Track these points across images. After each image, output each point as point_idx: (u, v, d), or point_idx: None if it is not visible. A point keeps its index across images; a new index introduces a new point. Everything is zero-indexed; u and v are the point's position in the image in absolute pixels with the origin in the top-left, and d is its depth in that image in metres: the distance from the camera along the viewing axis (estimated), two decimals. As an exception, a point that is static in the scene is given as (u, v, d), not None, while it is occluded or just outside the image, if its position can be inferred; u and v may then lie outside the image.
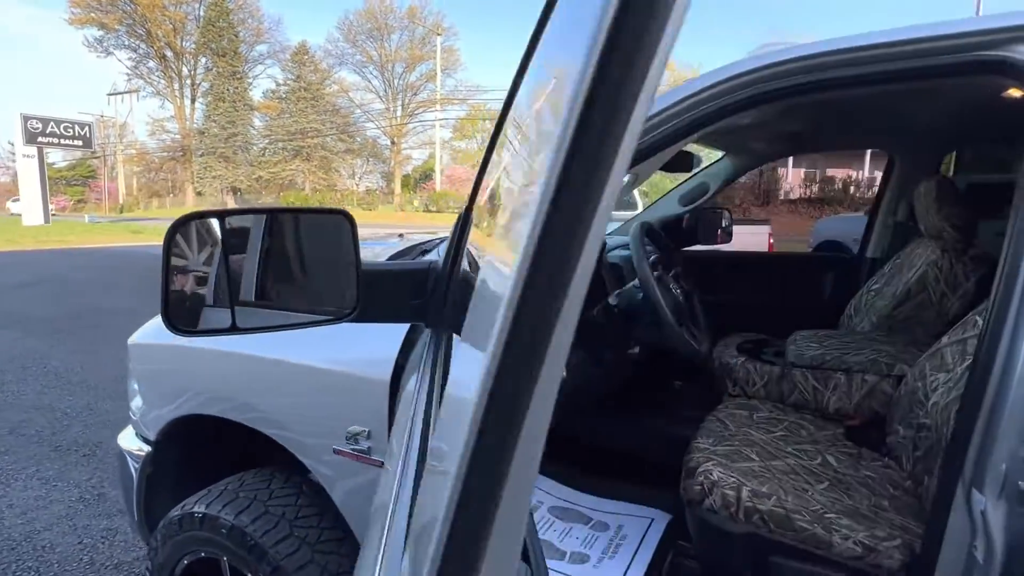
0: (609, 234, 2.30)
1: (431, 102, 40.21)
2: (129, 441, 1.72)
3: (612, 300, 1.44)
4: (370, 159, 44.18)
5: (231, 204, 40.99)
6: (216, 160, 39.68)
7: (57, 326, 6.34)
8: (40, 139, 22.79)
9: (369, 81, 42.01)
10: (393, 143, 42.03)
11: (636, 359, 1.58)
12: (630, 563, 1.37)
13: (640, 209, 5.36)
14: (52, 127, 23.28)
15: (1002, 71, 0.87)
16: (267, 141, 40.54)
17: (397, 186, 40.82)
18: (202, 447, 1.68)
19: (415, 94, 41.76)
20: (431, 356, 0.98)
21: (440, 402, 0.74)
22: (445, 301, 1.04)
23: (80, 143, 25.19)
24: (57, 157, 37.04)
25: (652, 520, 1.54)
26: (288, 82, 40.03)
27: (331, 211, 1.01)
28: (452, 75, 40.88)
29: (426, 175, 41.63)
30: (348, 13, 40.07)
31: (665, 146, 1.10)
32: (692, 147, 2.10)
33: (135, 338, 1.67)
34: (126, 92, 41.66)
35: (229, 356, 1.38)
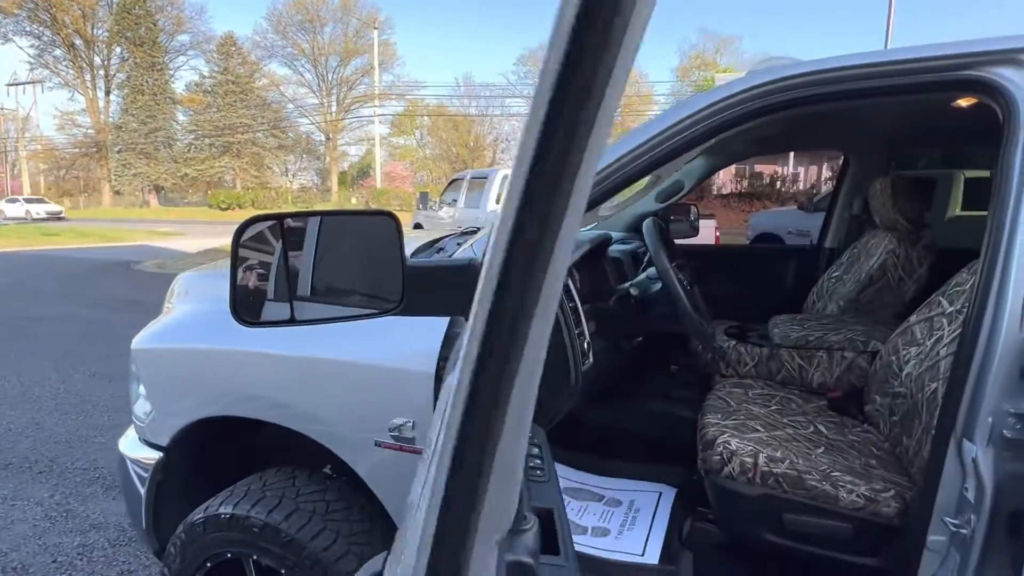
0: (588, 229, 2.42)
1: (368, 97, 39.36)
2: (133, 448, 1.67)
3: (633, 292, 1.54)
4: (304, 155, 42.74)
5: (154, 203, 38.64)
6: (136, 156, 37.23)
7: (-20, 337, 5.85)
8: (-69, 133, 20.69)
9: (301, 75, 40.64)
10: (328, 139, 40.83)
11: (639, 346, 1.70)
12: (649, 532, 1.48)
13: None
14: (-54, 120, 21.17)
15: (977, 89, 1.03)
16: (193, 137, 38.42)
17: (334, 183, 39.72)
18: (215, 451, 1.66)
19: (350, 89, 40.76)
20: None
21: None
22: None
23: (-21, 137, 23.03)
24: (-52, 153, 33.73)
25: (661, 493, 1.66)
26: (214, 75, 38.06)
27: (378, 212, 1.07)
28: (389, 70, 40.19)
29: (364, 172, 40.75)
30: (277, 3, 38.51)
31: (686, 150, 1.21)
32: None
33: (139, 342, 1.63)
34: (28, 82, 38.39)
35: (263, 356, 1.39)
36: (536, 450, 0.92)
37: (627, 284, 1.60)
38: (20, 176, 39.74)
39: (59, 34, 36.35)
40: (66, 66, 37.77)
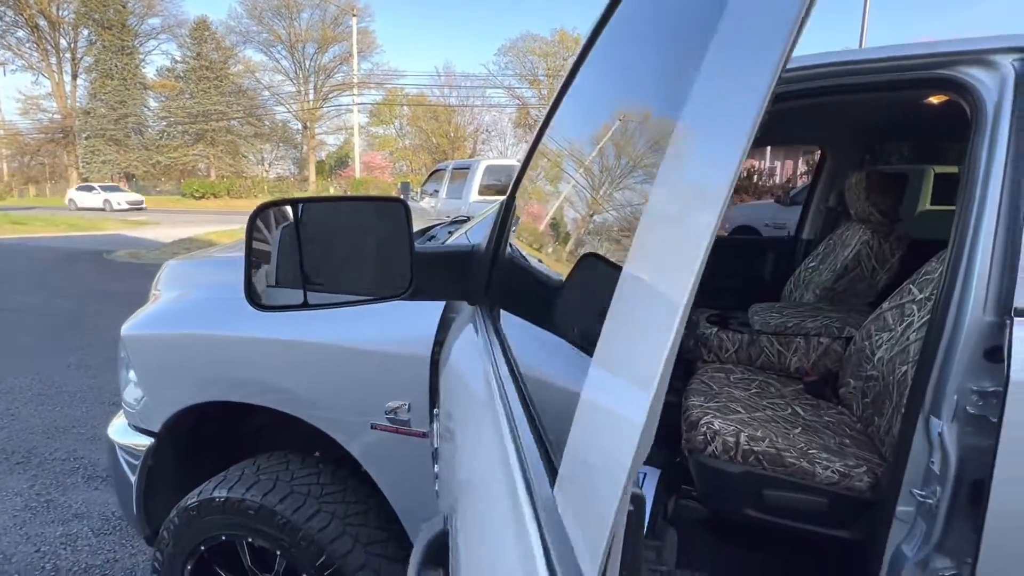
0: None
1: (346, 85, 38.78)
2: (123, 434, 1.67)
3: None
4: (281, 144, 42.02)
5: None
6: (105, 143, 36.20)
7: (-53, 328, 5.69)
8: None
9: (278, 62, 39.88)
10: (305, 128, 40.19)
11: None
12: (634, 511, 1.54)
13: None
14: (-98, 103, 20.27)
15: (947, 87, 1.09)
16: (165, 123, 37.46)
17: (311, 173, 39.17)
18: (207, 436, 1.67)
19: (328, 77, 40.13)
20: (480, 330, 1.09)
21: (510, 366, 0.85)
22: (490, 281, 1.15)
23: (-61, 122, 22.14)
24: (-95, 137, 32.34)
25: (644, 474, 1.72)
26: (187, 60, 37.14)
27: (388, 199, 1.09)
28: (368, 58, 39.61)
29: (342, 161, 40.24)
30: (252, -12, 37.56)
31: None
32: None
33: (129, 328, 1.63)
34: (-10, 65, 36.91)
35: (258, 342, 1.40)
36: None
37: None
38: (-18, 162, 38.33)
39: (22, 14, 35.00)
40: (30, 48, 36.44)
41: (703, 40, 0.45)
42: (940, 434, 1.03)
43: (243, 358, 1.44)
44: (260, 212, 0.95)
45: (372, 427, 1.32)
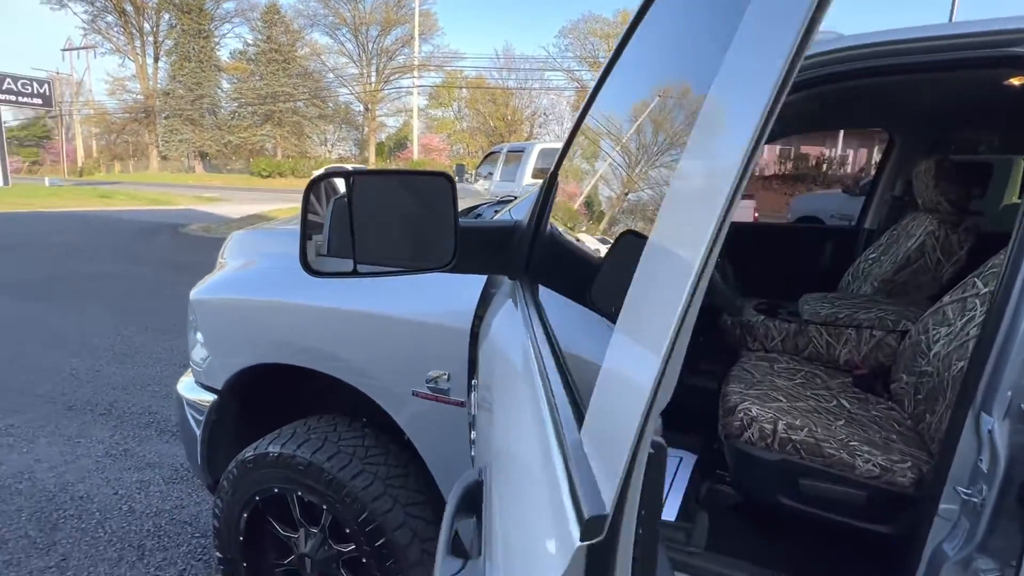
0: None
1: (407, 68, 39.30)
2: (190, 390, 1.81)
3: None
4: (343, 126, 43.17)
5: (199, 169, 39.74)
6: (182, 123, 38.25)
7: (45, 290, 6.24)
8: (-4, 96, 21.68)
9: (342, 44, 40.79)
10: (367, 109, 41.06)
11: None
12: (667, 494, 1.55)
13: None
14: (9, 83, 22.10)
15: (1018, 66, 1.03)
16: (236, 104, 39.18)
17: (371, 154, 40.05)
18: (264, 396, 1.79)
19: (390, 59, 40.74)
20: (520, 304, 1.12)
21: (548, 337, 0.88)
22: (530, 256, 1.17)
23: (39, 101, 24.01)
24: (8, 116, 35.25)
25: (681, 459, 1.72)
26: (258, 43, 38.56)
27: (435, 174, 1.13)
28: (429, 40, 39.97)
29: (400, 143, 40.90)
30: (320, -28, 38.44)
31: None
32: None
33: (197, 293, 1.76)
34: (82, 48, 39.56)
35: (313, 309, 1.49)
36: None
37: None
38: (75, 140, 41.29)
39: (111, 0, 37.24)
40: (117, 32, 38.81)
41: (735, 17, 0.46)
42: (990, 431, 0.99)
43: (299, 324, 1.54)
44: (314, 184, 1.01)
45: (414, 394, 1.39)
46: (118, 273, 7.28)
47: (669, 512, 1.48)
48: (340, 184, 1.04)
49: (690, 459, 1.72)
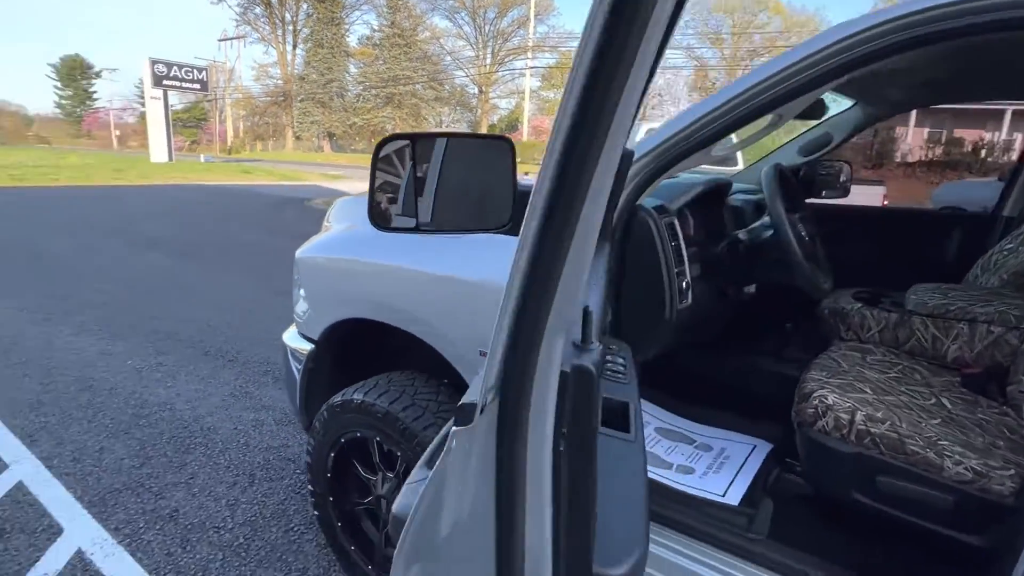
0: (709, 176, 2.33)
1: (521, 49, 39.47)
2: (294, 340, 2.02)
3: (741, 235, 1.51)
4: (458, 108, 44.43)
5: (327, 149, 42.90)
6: (314, 106, 41.37)
7: (190, 251, 7.13)
8: (165, 82, 24.77)
9: (460, 27, 41.82)
10: (481, 91, 41.91)
11: (752, 297, 1.66)
12: (734, 478, 1.50)
13: (741, 166, 5.19)
14: (175, 71, 25.16)
15: None
16: (361, 88, 41.67)
17: (483, 135, 40.82)
18: (353, 348, 1.95)
19: (505, 41, 41.17)
20: None
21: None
22: None
23: (198, 86, 27.10)
24: (174, 100, 39.99)
25: (754, 447, 1.65)
26: (383, 28, 40.60)
27: (497, 138, 1.17)
28: (544, 21, 39.85)
29: (512, 125, 41.36)
30: (442, -43, 39.49)
31: (811, 89, 1.15)
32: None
33: (301, 252, 1.95)
34: (234, 38, 43.90)
35: (395, 270, 1.60)
36: (621, 360, 1.02)
37: (739, 231, 1.55)
38: (226, 122, 46.16)
39: (259, -7, 40.90)
40: (263, 22, 42.59)
41: None
42: None
43: (383, 283, 1.66)
44: (383, 145, 1.09)
45: (480, 353, 1.45)
46: (251, 240, 8.12)
47: (733, 496, 1.43)
48: (407, 145, 1.11)
49: (764, 448, 1.65)
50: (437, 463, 0.57)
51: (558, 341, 0.51)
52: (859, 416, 1.22)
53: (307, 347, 1.96)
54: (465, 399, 0.54)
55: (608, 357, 1.04)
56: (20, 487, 2.26)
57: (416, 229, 1.09)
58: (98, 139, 52.59)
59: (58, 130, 56.67)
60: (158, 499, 2.23)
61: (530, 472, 0.54)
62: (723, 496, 1.43)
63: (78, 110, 56.29)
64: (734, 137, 1.34)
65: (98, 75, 55.47)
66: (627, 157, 1.11)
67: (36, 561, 1.88)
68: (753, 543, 1.26)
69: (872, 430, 1.20)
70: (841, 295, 1.86)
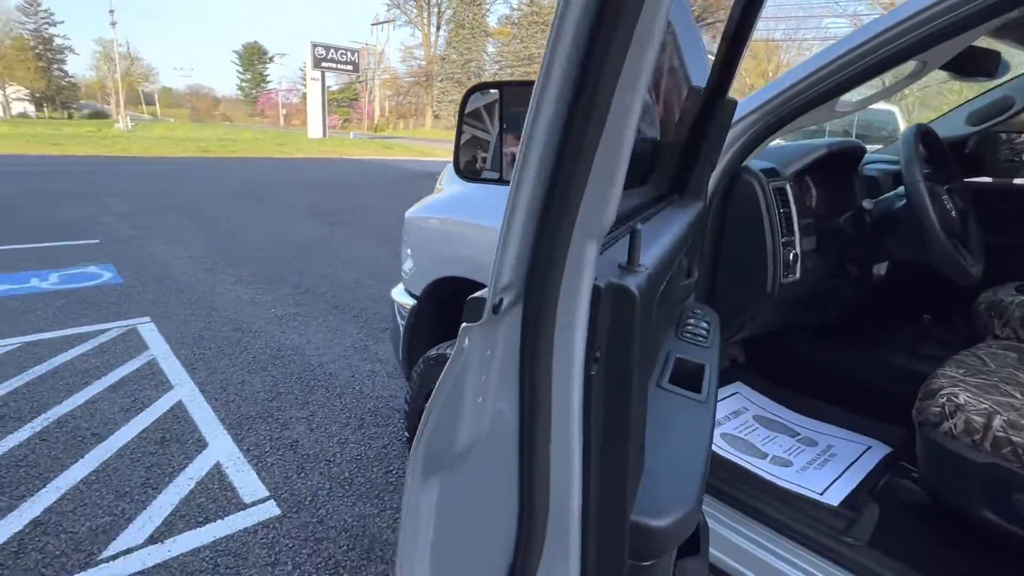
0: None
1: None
2: (400, 296, 2.15)
3: (867, 205, 1.32)
4: (592, 86, 43.67)
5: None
6: (452, 85, 42.96)
7: (334, 218, 7.82)
8: (323, 64, 27.14)
9: (600, 3, 40.78)
10: (617, 68, 40.79)
11: (883, 280, 1.45)
12: (838, 477, 1.35)
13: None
14: (332, 53, 27.46)
15: None
16: (498, 67, 42.47)
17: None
18: (451, 306, 2.03)
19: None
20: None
21: None
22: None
23: (351, 68, 29.35)
24: (330, 81, 43.56)
25: (869, 447, 1.47)
26: (522, 6, 40.87)
27: None
28: (690, -8, 37.43)
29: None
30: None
31: (964, 30, 0.97)
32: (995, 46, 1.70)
33: (411, 213, 2.04)
34: (385, 22, 46.77)
35: (492, 230, 1.63)
36: (704, 323, 0.96)
37: (865, 201, 1.35)
38: (373, 102, 49.60)
39: (409, -23, 43.04)
40: (411, 6, 44.82)
41: None
42: None
43: (479, 243, 1.69)
44: (471, 94, 1.10)
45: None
46: (386, 208, 8.71)
47: (833, 496, 1.30)
48: (495, 94, 1.11)
49: (880, 450, 1.46)
50: (449, 360, 0.55)
51: (589, 248, 0.47)
52: (997, 421, 1.03)
53: (411, 303, 2.07)
54: (478, 294, 0.52)
55: (691, 320, 0.98)
56: (180, 405, 2.66)
57: (500, 180, 1.09)
58: (269, 117, 59.25)
59: (238, 109, 64.98)
60: (283, 429, 2.51)
61: (556, 392, 0.51)
62: (821, 495, 1.30)
63: (254, 91, 63.81)
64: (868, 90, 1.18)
65: (271, 60, 62.34)
66: (728, 105, 1.02)
67: (185, 467, 2.21)
68: (850, 548, 1.13)
69: (1013, 438, 1.01)
70: (1002, 288, 1.57)
